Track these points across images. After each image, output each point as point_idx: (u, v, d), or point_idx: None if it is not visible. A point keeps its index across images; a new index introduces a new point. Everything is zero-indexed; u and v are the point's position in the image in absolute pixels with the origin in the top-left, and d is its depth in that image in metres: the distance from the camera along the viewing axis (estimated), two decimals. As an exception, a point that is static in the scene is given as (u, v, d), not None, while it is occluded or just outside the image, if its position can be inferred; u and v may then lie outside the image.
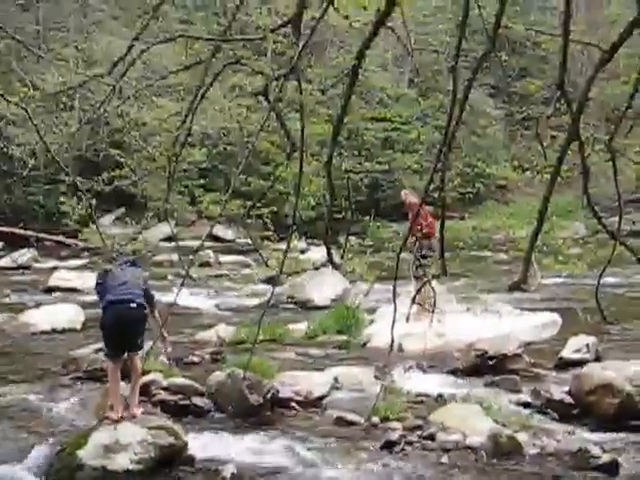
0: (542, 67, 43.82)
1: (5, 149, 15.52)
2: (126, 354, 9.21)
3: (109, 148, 26.38)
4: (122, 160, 11.56)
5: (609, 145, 6.34)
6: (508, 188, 42.91)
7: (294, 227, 5.77)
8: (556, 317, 14.65)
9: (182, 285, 7.81)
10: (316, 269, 18.77)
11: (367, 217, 12.62)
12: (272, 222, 11.22)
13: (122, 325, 9.12)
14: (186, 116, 7.25)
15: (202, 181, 29.65)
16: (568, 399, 10.32)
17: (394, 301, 5.92)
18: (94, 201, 8.49)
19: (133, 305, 9.10)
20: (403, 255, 7.44)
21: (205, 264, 25.57)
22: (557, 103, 6.55)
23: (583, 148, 6.12)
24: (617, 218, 6.75)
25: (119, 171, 10.23)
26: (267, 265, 6.81)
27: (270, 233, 10.30)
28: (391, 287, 7.19)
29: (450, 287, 16.01)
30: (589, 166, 6.45)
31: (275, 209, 12.48)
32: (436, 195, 6.46)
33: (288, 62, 5.61)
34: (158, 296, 15.51)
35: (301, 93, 5.22)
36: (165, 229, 30.28)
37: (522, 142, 43.09)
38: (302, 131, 4.89)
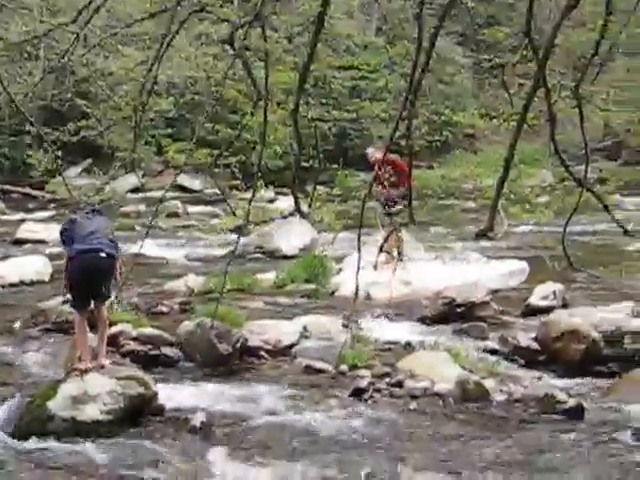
0: (510, 15, 43.62)
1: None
2: (93, 304, 9.15)
3: (75, 98, 26.00)
4: (88, 110, 11.44)
5: (575, 92, 6.35)
6: (476, 137, 42.94)
7: (259, 175, 5.73)
8: (524, 265, 14.74)
9: (146, 235, 7.79)
10: (284, 218, 18.75)
11: (335, 166, 12.57)
12: (240, 172, 11.18)
13: (90, 275, 9.02)
14: (152, 65, 7.18)
15: (169, 131, 29.38)
16: (535, 345, 10.42)
17: (359, 249, 5.93)
18: (60, 152, 8.41)
19: (102, 255, 8.98)
20: (370, 204, 7.47)
21: (173, 215, 25.40)
22: (524, 50, 6.55)
23: (549, 95, 6.12)
24: (584, 166, 6.77)
25: (85, 121, 10.11)
26: (234, 214, 6.77)
27: (238, 182, 10.24)
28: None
29: (418, 236, 16.05)
30: (556, 113, 6.46)
31: (243, 158, 12.38)
32: (403, 143, 6.45)
33: (253, 9, 5.55)
34: (126, 247, 15.53)
35: (265, 40, 5.19)
36: (132, 180, 30.02)
37: (490, 90, 43.02)
38: (266, 79, 4.85)
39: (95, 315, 9.22)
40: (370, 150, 15.99)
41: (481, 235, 6.53)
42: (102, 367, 8.90)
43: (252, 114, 5.34)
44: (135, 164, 11.12)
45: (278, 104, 6.95)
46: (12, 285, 15.51)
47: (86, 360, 8.89)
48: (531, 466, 7.37)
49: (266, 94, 4.87)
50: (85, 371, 8.73)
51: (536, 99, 6.31)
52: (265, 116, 5.03)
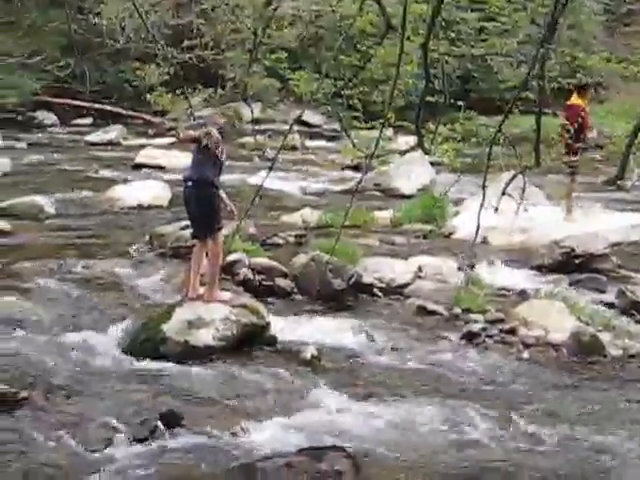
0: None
1: (94, 23, 15.37)
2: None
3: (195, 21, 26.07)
4: (209, 33, 11.43)
5: None
6: (604, 86, 41.76)
7: (390, 105, 5.62)
8: (647, 218, 14.34)
9: (270, 169, 7.70)
10: (404, 153, 18.55)
11: (460, 104, 12.36)
12: (362, 107, 11.03)
13: (186, 206, 9.00)
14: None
15: (291, 63, 29.30)
16: (654, 301, 10.14)
17: (483, 189, 5.79)
18: (172, 69, 8.28)
19: (189, 183, 8.81)
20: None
21: (291, 148, 25.47)
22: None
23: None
24: None
25: (202, 40, 10.02)
26: (355, 147, 6.64)
27: (358, 114, 10.12)
28: (478, 179, 7.06)
29: (540, 182, 15.72)
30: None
31: (365, 91, 12.23)
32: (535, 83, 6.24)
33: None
34: (244, 178, 15.60)
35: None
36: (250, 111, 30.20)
37: (622, 39, 41.75)
38: (405, 10, 4.71)
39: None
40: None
41: (610, 183, 6.32)
42: (209, 301, 8.85)
43: (382, 40, 5.20)
44: (254, 92, 11.02)
45: (408, 38, 6.79)
46: (131, 208, 15.80)
47: (194, 289, 8.94)
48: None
49: (403, 25, 4.73)
50: (195, 299, 8.81)
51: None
52: (401, 49, 4.90)
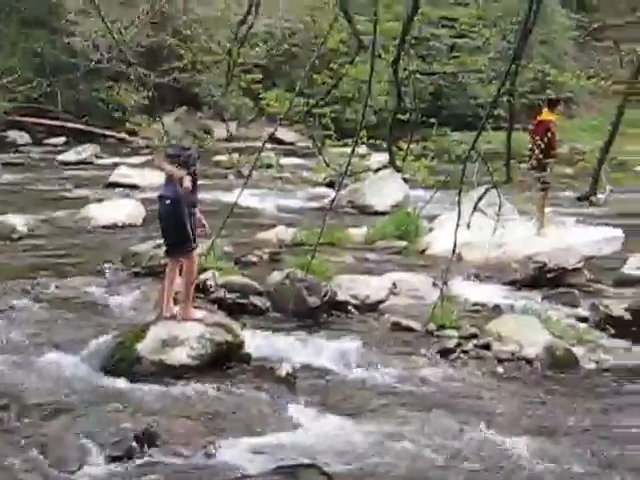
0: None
1: (68, 42, 15.45)
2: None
3: (171, 42, 26.13)
4: (184, 53, 11.43)
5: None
6: (574, 101, 42.08)
7: (362, 122, 5.64)
8: (619, 232, 14.41)
9: (244, 186, 7.67)
10: (376, 172, 18.60)
11: (432, 121, 12.39)
12: (333, 124, 11.04)
13: (160, 223, 8.99)
14: (248, 12, 7.09)
15: (264, 80, 29.36)
16: (627, 316, 10.18)
17: (459, 206, 5.81)
18: (151, 93, 8.32)
19: (166, 202, 8.77)
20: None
21: (266, 165, 25.46)
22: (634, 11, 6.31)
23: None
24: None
25: (178, 63, 10.04)
26: (328, 165, 6.67)
27: (331, 132, 10.13)
28: (451, 195, 7.08)
29: (512, 198, 15.79)
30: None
31: (337, 109, 12.28)
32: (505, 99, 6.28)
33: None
34: (219, 196, 15.58)
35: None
36: (225, 130, 30.24)
37: (593, 54, 42.12)
38: (375, 26, 4.74)
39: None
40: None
41: (583, 199, 6.37)
42: (184, 319, 8.84)
43: (354, 58, 5.21)
44: (229, 112, 11.05)
45: (379, 56, 6.82)
46: (105, 227, 15.76)
47: (170, 307, 8.92)
48: (618, 436, 7.24)
49: (373, 44, 4.76)
50: (170, 318, 8.80)
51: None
52: (372, 67, 4.93)
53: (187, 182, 8.59)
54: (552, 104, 14.56)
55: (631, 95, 5.94)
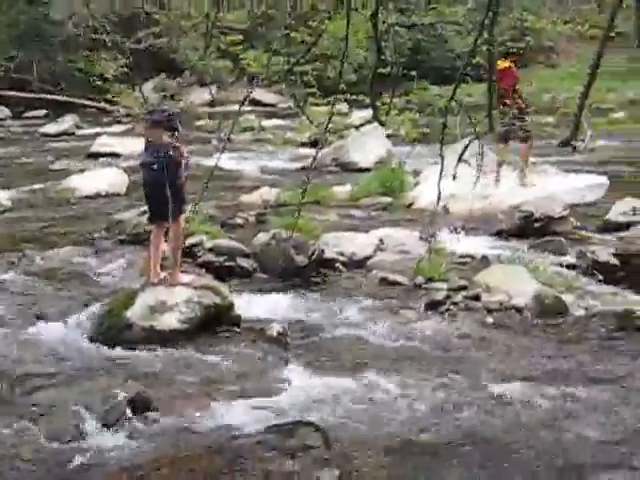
0: None
1: (47, 13, 15.33)
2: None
3: (146, 8, 25.95)
4: (161, 19, 11.34)
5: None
6: (555, 50, 41.96)
7: (341, 77, 5.61)
8: (603, 179, 14.45)
9: (223, 149, 7.67)
10: (359, 127, 18.57)
11: (412, 74, 12.37)
12: (316, 82, 11.02)
13: (148, 190, 8.82)
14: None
15: (243, 42, 29.17)
16: (614, 261, 10.20)
17: (441, 159, 5.81)
18: (132, 62, 8.24)
19: (154, 167, 8.60)
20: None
21: (247, 128, 25.40)
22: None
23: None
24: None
25: (155, 28, 9.95)
26: (311, 122, 6.62)
27: (313, 90, 10.10)
28: (435, 149, 7.07)
29: (495, 149, 15.79)
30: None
31: (319, 66, 12.24)
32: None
33: None
34: (201, 161, 15.51)
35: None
36: (206, 94, 30.11)
37: (569, 2, 42.01)
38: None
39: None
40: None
41: (564, 145, 6.36)
42: (173, 284, 8.81)
43: (331, 14, 5.18)
44: (210, 76, 10.98)
45: (356, 9, 6.76)
46: (88, 197, 15.72)
47: (157, 273, 8.88)
48: (608, 381, 7.27)
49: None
50: (158, 283, 8.77)
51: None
52: (348, 23, 4.89)
53: (183, 148, 8.55)
54: (510, 57, 14.40)
55: (607, 39, 5.92)
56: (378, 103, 7.16)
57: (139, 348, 7.93)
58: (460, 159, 6.98)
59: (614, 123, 11.64)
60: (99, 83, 30.27)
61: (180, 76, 32.65)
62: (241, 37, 14.63)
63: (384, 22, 7.02)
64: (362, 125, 18.11)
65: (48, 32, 29.19)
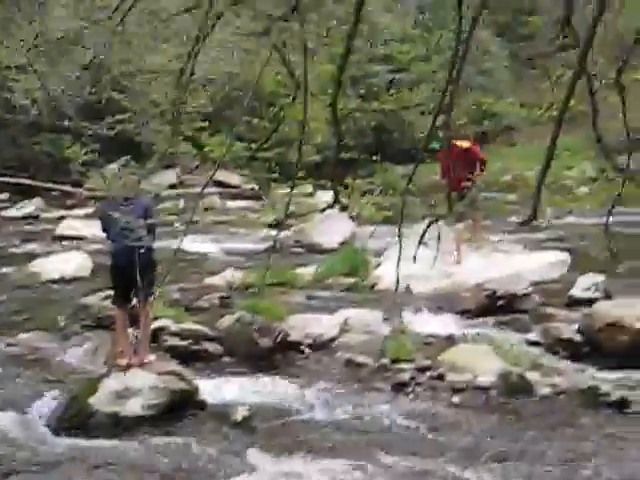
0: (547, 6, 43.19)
1: (9, 98, 15.35)
2: (135, 301, 9.09)
3: (112, 93, 26.05)
4: (125, 105, 11.41)
5: (617, 80, 6.22)
6: (515, 129, 42.58)
7: (298, 168, 5.67)
8: (565, 256, 14.60)
9: (186, 231, 7.71)
10: (323, 211, 18.68)
11: (375, 158, 12.53)
12: (278, 166, 11.12)
13: (126, 272, 8.83)
14: (189, 58, 7.13)
15: (207, 126, 29.40)
16: (578, 337, 10.29)
17: (400, 240, 5.87)
18: (98, 147, 8.31)
19: (142, 251, 8.69)
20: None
21: (211, 210, 25.43)
22: (564, 39, 6.42)
23: (591, 83, 6.01)
24: (626, 156, 6.62)
25: (122, 116, 10.06)
26: (273, 207, 6.71)
27: (276, 175, 10.21)
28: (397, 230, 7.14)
29: (456, 229, 15.93)
30: (597, 102, 6.34)
31: (281, 151, 12.37)
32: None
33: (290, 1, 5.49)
34: (165, 243, 15.50)
35: (303, 33, 5.12)
36: (170, 177, 30.21)
37: (528, 83, 42.68)
38: (305, 71, 4.79)
39: (137, 311, 9.15)
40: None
41: (525, 223, 6.45)
42: (145, 364, 8.86)
43: (293, 100, 5.25)
44: (173, 160, 11.09)
45: (315, 95, 6.89)
46: (53, 281, 15.59)
47: (127, 356, 8.89)
48: (575, 459, 7.29)
49: (305, 85, 4.81)
50: (127, 367, 8.74)
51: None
52: (305, 108, 4.97)
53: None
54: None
55: (562, 120, 6.03)
56: (341, 187, 7.24)
57: (103, 436, 7.86)
58: (420, 241, 7.05)
59: (575, 200, 11.76)
60: (66, 167, 30.21)
61: (144, 159, 32.72)
62: (207, 123, 14.79)
63: (342, 109, 7.12)
64: (326, 209, 18.22)
65: (11, 117, 29.23)
